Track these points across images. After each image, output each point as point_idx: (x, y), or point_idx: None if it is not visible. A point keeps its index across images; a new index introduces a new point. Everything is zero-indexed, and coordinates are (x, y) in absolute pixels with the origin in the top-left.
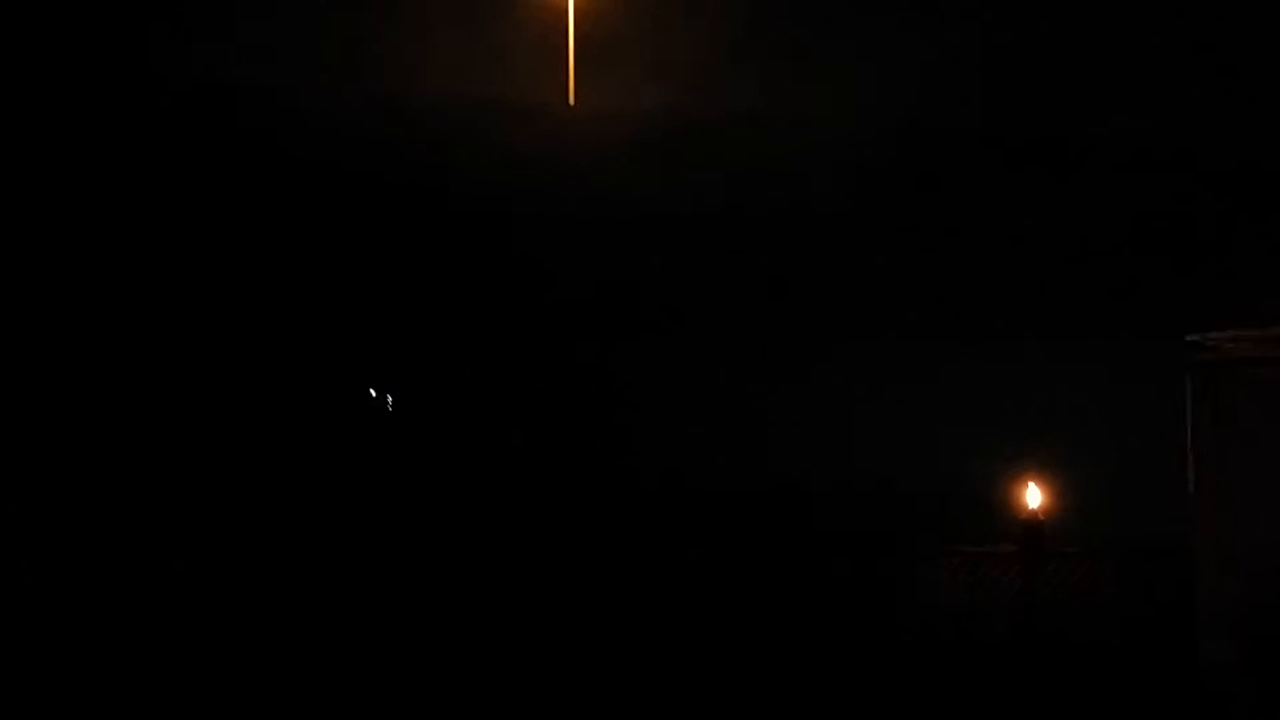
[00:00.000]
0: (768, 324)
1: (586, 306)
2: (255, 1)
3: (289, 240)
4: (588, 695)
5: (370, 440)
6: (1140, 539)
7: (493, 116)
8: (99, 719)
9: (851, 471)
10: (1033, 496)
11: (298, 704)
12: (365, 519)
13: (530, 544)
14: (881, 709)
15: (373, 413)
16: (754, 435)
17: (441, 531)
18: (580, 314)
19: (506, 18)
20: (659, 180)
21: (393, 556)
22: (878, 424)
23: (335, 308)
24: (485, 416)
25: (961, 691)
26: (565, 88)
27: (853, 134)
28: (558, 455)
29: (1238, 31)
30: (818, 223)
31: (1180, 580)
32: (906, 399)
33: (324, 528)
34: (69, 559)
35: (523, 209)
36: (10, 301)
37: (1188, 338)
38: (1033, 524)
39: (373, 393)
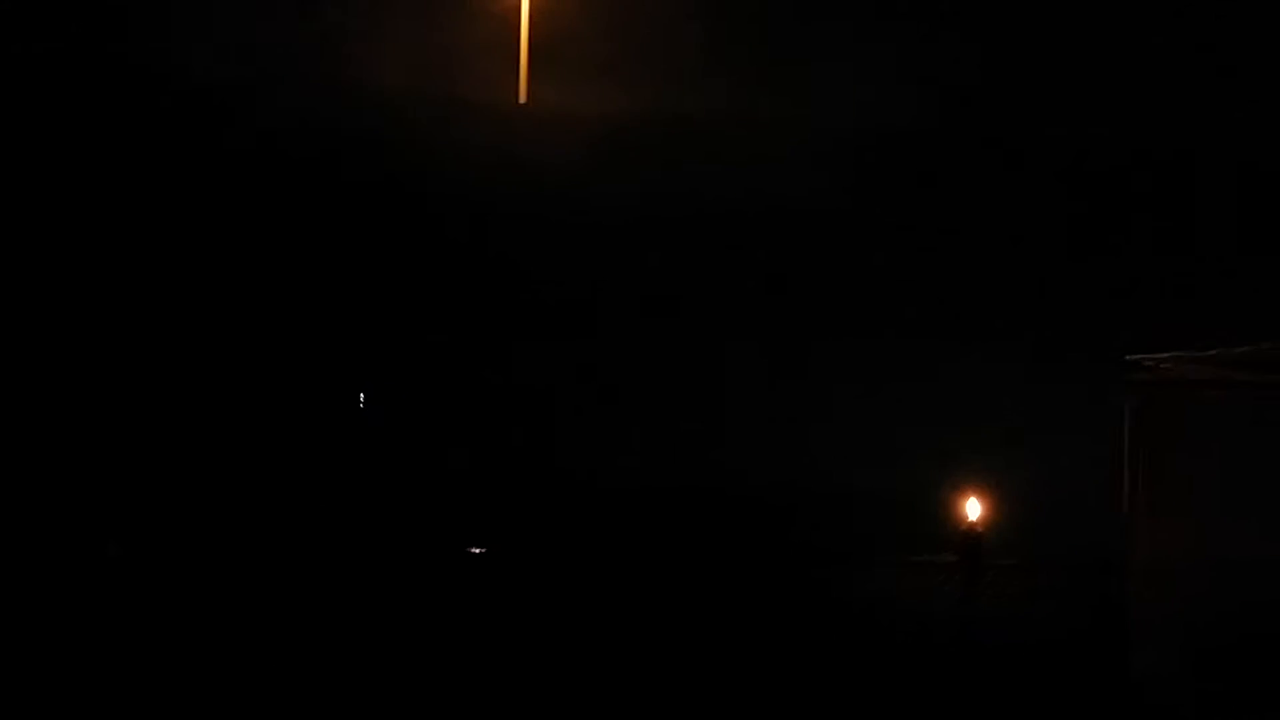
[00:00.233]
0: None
1: (545, 305)
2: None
3: (243, 233)
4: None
5: (338, 436)
6: (1076, 554)
7: (447, 113)
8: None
9: (776, 477)
10: (972, 509)
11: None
12: (330, 514)
13: (497, 546)
14: (820, 712)
15: (338, 409)
16: (703, 438)
17: (408, 526)
18: (532, 313)
19: (460, 15)
20: (653, 179)
21: (356, 553)
22: (803, 431)
23: (294, 302)
24: (446, 416)
25: (897, 698)
26: (516, 86)
27: (848, 135)
28: (512, 457)
29: (1238, 32)
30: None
31: (1113, 593)
32: (847, 404)
33: (285, 522)
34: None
35: (483, 207)
36: None
37: (1127, 357)
38: (972, 535)
39: (361, 398)
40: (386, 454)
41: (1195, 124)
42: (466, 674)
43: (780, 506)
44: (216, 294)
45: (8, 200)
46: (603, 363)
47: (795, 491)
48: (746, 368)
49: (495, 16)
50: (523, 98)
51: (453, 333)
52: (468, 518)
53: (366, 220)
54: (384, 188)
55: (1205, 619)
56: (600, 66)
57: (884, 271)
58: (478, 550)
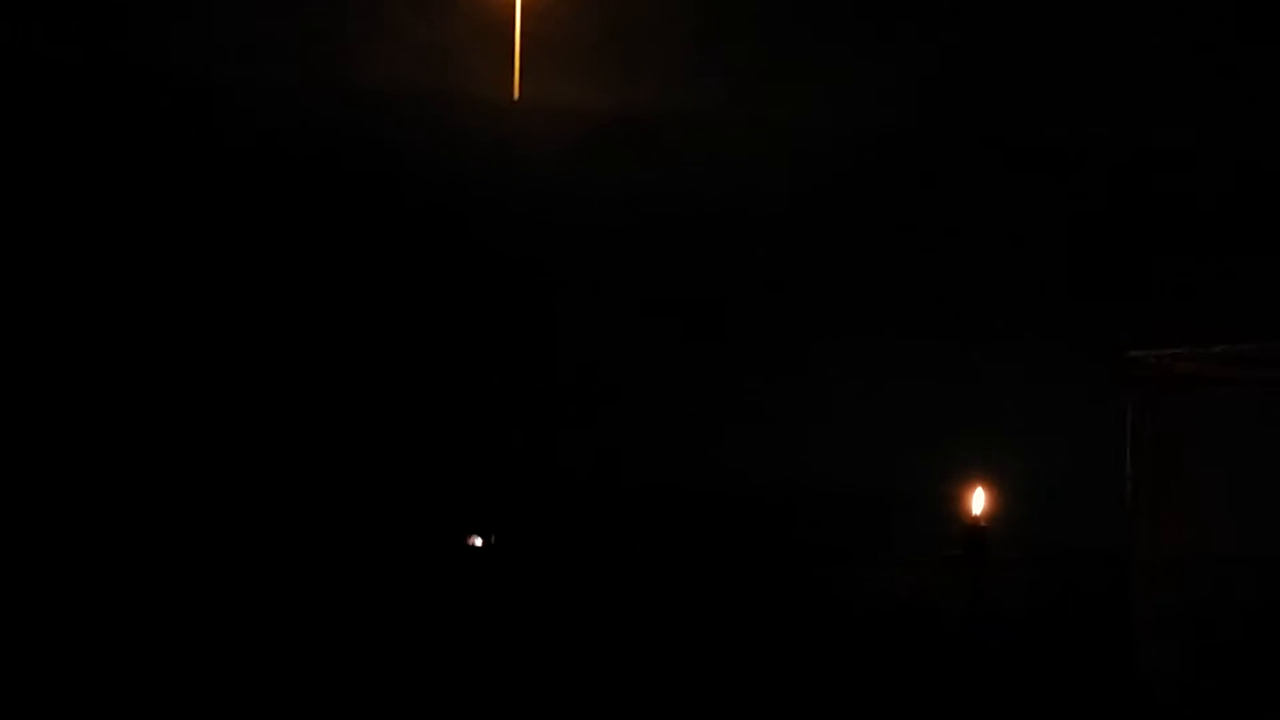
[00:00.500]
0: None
1: (540, 301)
2: None
3: (235, 227)
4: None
5: (336, 433)
6: (1080, 549)
7: (439, 109)
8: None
9: (786, 473)
10: (976, 502)
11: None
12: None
13: (499, 544)
14: (824, 712)
15: (337, 406)
16: (706, 435)
17: (407, 523)
18: (528, 309)
19: (453, 11)
20: (649, 178)
21: (354, 546)
22: (810, 428)
23: (287, 297)
24: (444, 412)
25: (904, 695)
26: (510, 81)
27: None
28: (509, 455)
29: (1238, 32)
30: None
31: (1119, 588)
32: (849, 403)
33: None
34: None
35: (477, 202)
36: None
37: (1130, 353)
38: (975, 529)
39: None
40: (383, 449)
41: (1195, 124)
42: (465, 667)
43: (780, 505)
44: (214, 290)
45: (9, 200)
46: (600, 361)
47: (796, 490)
48: (746, 366)
49: (489, 12)
50: (516, 94)
51: (444, 329)
52: (465, 514)
53: (361, 216)
54: (376, 184)
55: (1211, 617)
56: (594, 63)
57: (884, 271)
58: (479, 542)
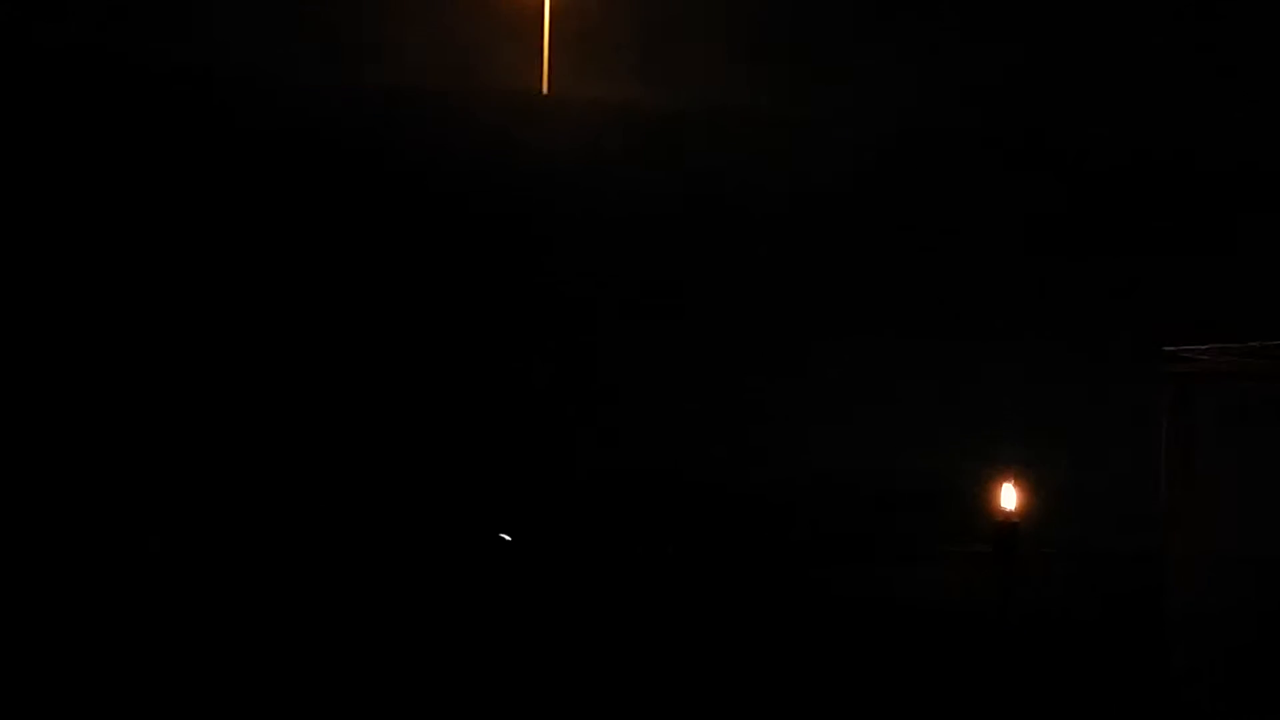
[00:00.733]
0: (748, 319)
1: (565, 294)
2: None
3: (270, 223)
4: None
5: (356, 430)
6: (1113, 546)
7: (471, 104)
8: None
9: (825, 469)
10: (1008, 498)
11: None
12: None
13: (513, 537)
14: (860, 706)
15: (357, 402)
16: (736, 432)
17: (421, 520)
18: (542, 304)
19: (484, 6)
20: (653, 178)
21: (368, 543)
22: (853, 423)
23: (319, 294)
24: (464, 404)
25: (936, 690)
26: (540, 76)
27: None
28: (516, 452)
29: (1238, 32)
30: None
31: (1152, 585)
32: (885, 399)
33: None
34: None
35: (511, 198)
36: None
37: (1165, 349)
38: (1007, 525)
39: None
40: (399, 447)
41: (1195, 124)
42: (478, 658)
43: (816, 500)
44: (232, 287)
45: (11, 201)
46: (609, 357)
47: (831, 487)
48: (771, 366)
49: (518, 8)
50: (545, 88)
51: (464, 326)
52: (464, 511)
53: (385, 211)
54: (404, 178)
55: (1241, 615)
56: (620, 59)
57: (892, 271)
58: (506, 538)
